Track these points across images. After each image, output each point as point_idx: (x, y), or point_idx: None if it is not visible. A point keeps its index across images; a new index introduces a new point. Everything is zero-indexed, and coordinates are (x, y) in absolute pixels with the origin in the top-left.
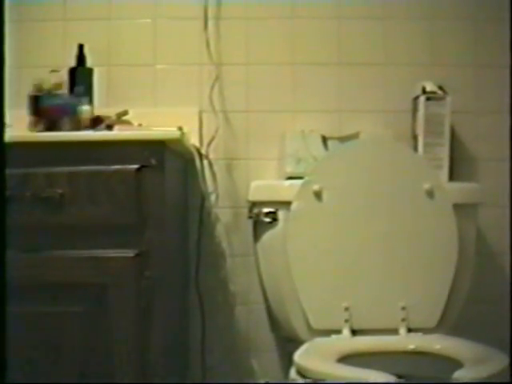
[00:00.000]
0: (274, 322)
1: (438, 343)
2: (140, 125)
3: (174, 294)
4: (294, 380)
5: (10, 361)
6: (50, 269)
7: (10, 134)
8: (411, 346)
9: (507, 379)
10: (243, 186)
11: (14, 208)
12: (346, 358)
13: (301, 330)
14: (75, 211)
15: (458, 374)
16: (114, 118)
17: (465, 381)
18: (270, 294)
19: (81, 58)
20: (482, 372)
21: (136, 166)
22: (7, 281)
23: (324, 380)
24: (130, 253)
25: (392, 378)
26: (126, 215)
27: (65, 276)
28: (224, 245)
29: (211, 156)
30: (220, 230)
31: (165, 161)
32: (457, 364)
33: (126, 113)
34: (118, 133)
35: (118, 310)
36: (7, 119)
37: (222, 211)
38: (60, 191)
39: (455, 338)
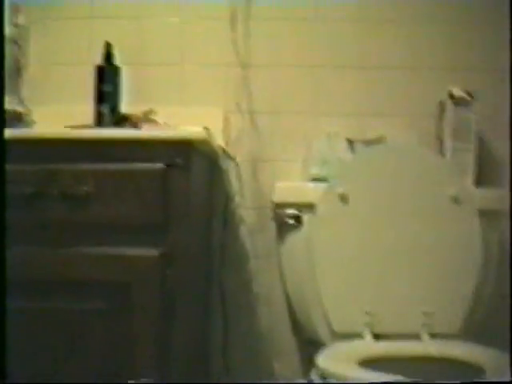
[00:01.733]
0: (296, 325)
1: (460, 349)
2: (166, 124)
3: (196, 294)
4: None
5: (30, 357)
6: (75, 266)
7: (38, 131)
8: (433, 352)
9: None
10: (267, 188)
11: (40, 204)
12: (368, 363)
13: (323, 332)
14: (101, 209)
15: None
16: (140, 116)
17: None
18: (292, 295)
19: (108, 56)
20: (504, 378)
21: (162, 165)
22: (33, 277)
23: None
24: (154, 252)
25: None
26: (151, 214)
27: (89, 273)
28: (248, 246)
29: (236, 157)
30: (244, 231)
31: (191, 160)
32: (479, 371)
33: (151, 112)
34: (145, 132)
35: (141, 309)
36: (35, 116)
37: (246, 212)
38: (86, 188)
39: (477, 345)
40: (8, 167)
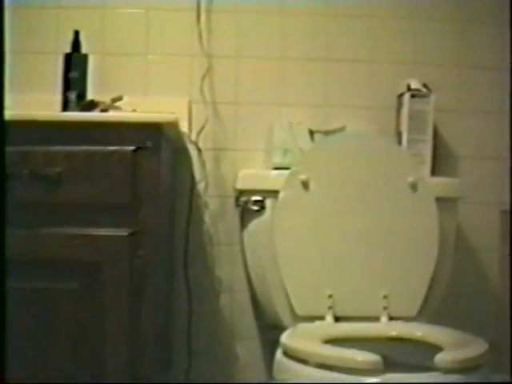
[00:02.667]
0: (258, 309)
1: (418, 330)
2: (134, 110)
3: (163, 275)
4: (280, 362)
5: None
6: (46, 246)
7: (9, 113)
8: (393, 333)
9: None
10: (230, 176)
11: (11, 185)
12: (330, 343)
13: (285, 316)
14: (72, 190)
15: (440, 357)
16: (108, 102)
17: (446, 364)
18: (255, 281)
19: (76, 43)
20: (462, 354)
21: (132, 148)
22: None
23: (310, 360)
24: (124, 232)
25: (378, 359)
26: (121, 195)
27: (60, 253)
28: (211, 232)
29: (200, 145)
30: (207, 217)
31: (160, 143)
32: (437, 349)
33: (120, 98)
34: (116, 114)
35: (111, 288)
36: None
37: (209, 200)
38: (58, 170)
39: (435, 326)
40: None
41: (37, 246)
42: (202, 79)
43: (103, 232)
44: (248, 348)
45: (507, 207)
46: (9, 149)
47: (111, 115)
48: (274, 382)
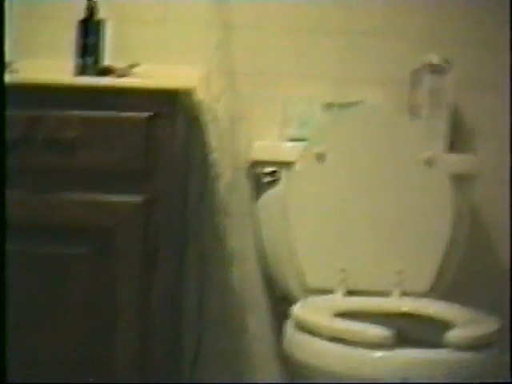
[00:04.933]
0: (269, 281)
1: (430, 306)
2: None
3: (176, 244)
4: (290, 334)
5: (12, 303)
6: (59, 210)
7: (23, 77)
8: (405, 308)
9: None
10: (245, 147)
11: (25, 149)
12: (341, 316)
13: (295, 288)
14: (86, 155)
15: (451, 333)
16: (124, 68)
17: (458, 341)
18: (267, 252)
19: (92, 9)
20: (474, 332)
21: (148, 114)
22: (17, 221)
23: (321, 333)
24: (138, 198)
25: (389, 333)
26: (135, 161)
27: (73, 218)
28: (224, 203)
29: (215, 114)
30: (220, 188)
31: (176, 111)
32: (449, 326)
33: (137, 65)
34: (132, 80)
35: (124, 254)
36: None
37: (223, 170)
38: (72, 135)
39: (447, 303)
40: None
41: (50, 211)
42: (218, 49)
43: (117, 198)
44: (258, 319)
45: None
46: (24, 113)
47: (127, 81)
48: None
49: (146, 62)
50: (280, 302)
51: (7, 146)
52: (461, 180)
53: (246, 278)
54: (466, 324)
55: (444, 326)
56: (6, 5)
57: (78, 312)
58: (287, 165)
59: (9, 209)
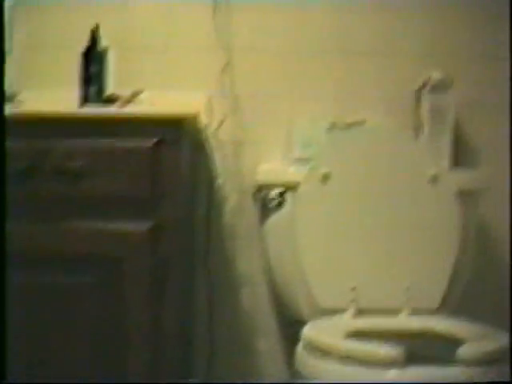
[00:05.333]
0: (279, 304)
1: (440, 324)
2: (154, 105)
3: (184, 270)
4: (302, 356)
5: (22, 331)
6: (67, 240)
7: (28, 108)
8: (415, 327)
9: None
10: (250, 170)
11: (33, 180)
12: (352, 336)
13: (306, 310)
14: (93, 184)
15: (462, 350)
16: (128, 96)
17: (469, 357)
18: (276, 275)
19: (95, 38)
20: (484, 348)
21: (153, 142)
22: (25, 252)
23: (333, 353)
24: (144, 226)
25: (400, 352)
26: (141, 189)
27: (80, 247)
28: (230, 226)
29: (219, 139)
30: (226, 211)
31: (181, 137)
32: (459, 343)
33: (140, 92)
34: (137, 108)
35: (132, 283)
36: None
37: (229, 194)
38: (79, 164)
39: (456, 319)
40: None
41: (57, 241)
42: (222, 73)
43: (124, 226)
44: (268, 342)
45: None
46: (30, 144)
47: (132, 109)
48: (295, 380)
49: (150, 88)
50: (290, 325)
51: (13, 176)
52: (466, 196)
53: (255, 301)
54: (476, 340)
55: (454, 342)
56: (7, 34)
57: (86, 342)
58: (293, 187)
59: (16, 239)
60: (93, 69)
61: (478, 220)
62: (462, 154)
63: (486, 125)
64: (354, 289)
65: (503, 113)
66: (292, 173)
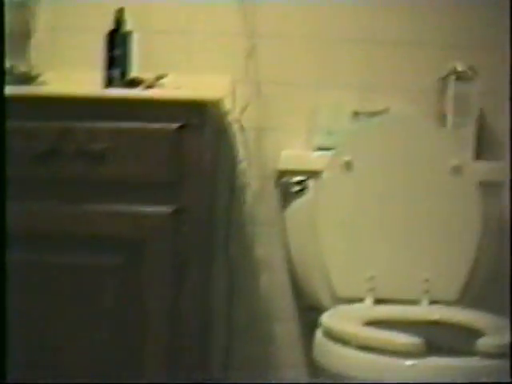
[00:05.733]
0: (297, 290)
1: (459, 314)
2: (178, 88)
3: (205, 254)
4: (321, 343)
5: (45, 311)
6: (89, 222)
7: (52, 89)
8: (434, 316)
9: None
10: (272, 156)
11: (56, 161)
12: (370, 325)
13: (324, 297)
14: (116, 166)
15: (481, 341)
16: (152, 80)
17: (488, 349)
18: (295, 261)
19: (120, 21)
20: (504, 339)
21: (176, 125)
22: (48, 232)
23: (351, 341)
24: (167, 209)
25: (419, 341)
26: (164, 172)
27: (103, 229)
28: (251, 212)
29: (243, 124)
30: (248, 197)
31: (205, 121)
32: (478, 334)
33: (164, 76)
34: (161, 92)
35: (153, 266)
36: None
37: (251, 180)
38: (102, 146)
39: (476, 311)
40: (24, 124)
41: (80, 223)
42: (246, 58)
43: (146, 209)
44: (287, 328)
45: None
46: (53, 125)
47: (156, 93)
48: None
49: (173, 72)
50: (308, 311)
51: (36, 157)
52: (488, 187)
53: (274, 287)
54: (495, 332)
55: (473, 333)
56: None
57: (107, 323)
58: (315, 174)
59: (38, 220)
60: (117, 51)
61: (500, 212)
62: (485, 145)
63: (509, 117)
64: (372, 278)
65: None
66: (314, 160)
